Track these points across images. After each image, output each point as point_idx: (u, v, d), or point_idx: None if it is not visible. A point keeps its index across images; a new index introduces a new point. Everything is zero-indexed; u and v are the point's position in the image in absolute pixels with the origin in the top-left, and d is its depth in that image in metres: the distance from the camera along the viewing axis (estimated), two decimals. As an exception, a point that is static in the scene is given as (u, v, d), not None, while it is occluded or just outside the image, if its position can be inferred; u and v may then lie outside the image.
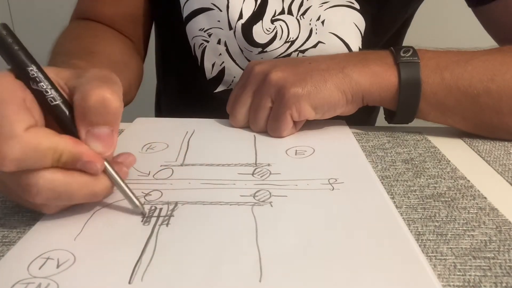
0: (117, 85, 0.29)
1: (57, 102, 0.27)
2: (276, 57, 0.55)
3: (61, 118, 0.28)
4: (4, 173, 0.26)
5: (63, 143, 0.26)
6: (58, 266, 0.25)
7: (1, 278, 0.24)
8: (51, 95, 0.27)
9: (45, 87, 0.27)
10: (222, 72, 0.58)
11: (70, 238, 0.27)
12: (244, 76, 0.45)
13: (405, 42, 0.65)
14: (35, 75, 0.27)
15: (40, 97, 0.27)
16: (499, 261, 0.26)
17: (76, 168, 0.27)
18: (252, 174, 0.36)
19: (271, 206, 0.31)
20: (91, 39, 0.52)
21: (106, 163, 0.29)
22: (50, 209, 0.29)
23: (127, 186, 0.30)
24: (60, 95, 0.28)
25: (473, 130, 0.44)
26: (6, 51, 0.26)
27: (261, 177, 0.35)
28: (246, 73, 0.45)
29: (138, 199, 0.30)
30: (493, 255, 0.27)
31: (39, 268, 0.25)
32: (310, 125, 0.44)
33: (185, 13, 0.55)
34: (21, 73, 0.27)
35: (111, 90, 0.27)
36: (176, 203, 0.31)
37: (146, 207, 0.31)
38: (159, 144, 0.41)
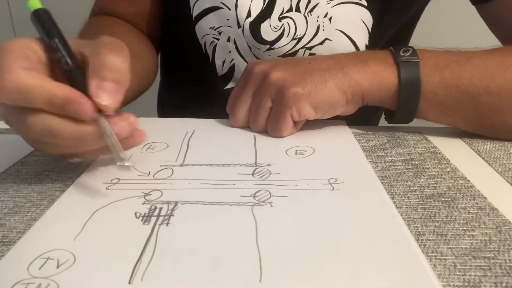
0: (126, 52, 0.33)
1: (69, 67, 0.31)
2: (283, 54, 0.56)
3: (72, 79, 0.31)
4: (7, 109, 0.30)
5: (55, 86, 0.29)
6: (58, 266, 0.25)
7: (1, 278, 0.24)
8: (66, 61, 0.31)
9: (61, 55, 0.32)
10: (232, 69, 0.59)
11: (70, 238, 0.27)
12: (244, 76, 0.45)
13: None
14: (56, 45, 0.32)
15: (58, 63, 0.32)
16: (499, 261, 0.26)
17: (68, 111, 0.29)
18: (252, 174, 0.36)
19: (271, 206, 0.31)
20: (111, 29, 0.56)
21: (98, 115, 0.30)
22: (48, 148, 0.32)
23: (114, 137, 0.31)
24: (74, 62, 0.32)
25: (473, 130, 0.44)
26: (42, 27, 0.32)
27: (261, 177, 0.35)
28: (246, 73, 0.45)
29: (121, 151, 0.31)
30: (493, 255, 0.27)
31: (39, 268, 0.25)
32: (310, 125, 0.44)
33: (195, 12, 0.56)
34: (46, 44, 0.32)
35: (123, 57, 0.32)
36: (176, 203, 0.31)
37: (146, 207, 0.31)
38: (159, 144, 0.41)
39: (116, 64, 0.31)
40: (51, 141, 0.31)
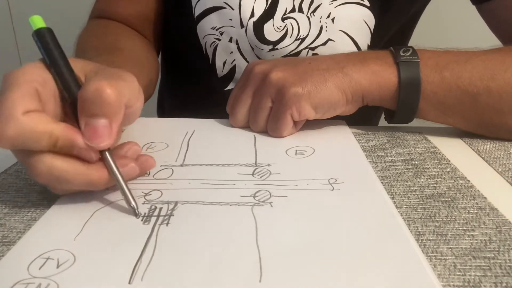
0: (124, 82, 0.30)
1: (70, 100, 0.30)
2: (286, 55, 0.56)
3: (74, 113, 0.30)
4: (15, 152, 0.29)
5: (58, 129, 0.28)
6: (58, 266, 0.25)
7: (1, 278, 0.24)
8: (64, 95, 0.30)
9: (61, 85, 0.30)
10: (233, 70, 0.59)
11: (70, 238, 0.27)
12: (244, 76, 0.45)
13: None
14: (54, 76, 0.30)
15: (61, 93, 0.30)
16: (499, 261, 0.26)
17: (73, 154, 0.29)
18: (252, 174, 0.36)
19: (271, 206, 0.31)
20: (115, 36, 0.55)
21: (107, 154, 0.30)
22: (56, 190, 0.31)
23: (124, 181, 0.30)
24: (75, 92, 0.30)
25: (473, 129, 0.44)
26: (45, 51, 0.30)
27: (261, 177, 0.35)
28: (246, 73, 0.45)
29: (132, 196, 0.30)
30: (493, 255, 0.27)
31: (39, 268, 0.25)
32: (310, 125, 0.44)
33: (197, 12, 0.56)
34: (51, 70, 0.30)
35: (108, 83, 0.28)
36: (176, 203, 0.31)
37: (146, 207, 0.31)
38: (159, 144, 0.41)
39: (101, 95, 0.28)
40: (58, 186, 0.30)
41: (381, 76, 0.41)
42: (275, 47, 0.55)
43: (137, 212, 0.30)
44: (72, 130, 0.28)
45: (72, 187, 0.30)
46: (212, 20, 0.56)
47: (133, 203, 0.30)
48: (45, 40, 0.31)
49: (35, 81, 0.29)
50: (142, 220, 0.29)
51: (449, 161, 0.39)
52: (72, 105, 0.30)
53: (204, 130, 0.45)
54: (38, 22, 0.31)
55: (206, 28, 0.56)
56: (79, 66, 0.31)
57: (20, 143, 0.28)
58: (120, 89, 0.29)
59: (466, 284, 0.24)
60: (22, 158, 0.29)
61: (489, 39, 0.54)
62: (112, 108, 0.29)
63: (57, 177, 0.28)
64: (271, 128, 0.43)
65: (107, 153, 0.30)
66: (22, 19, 1.40)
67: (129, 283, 0.24)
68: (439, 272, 0.25)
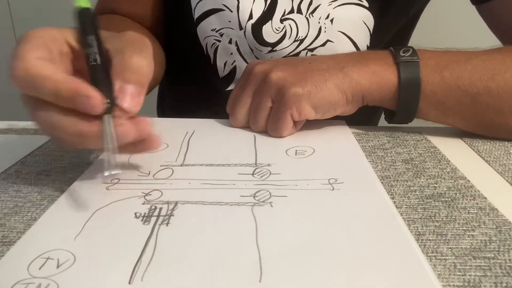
0: (149, 51, 0.33)
1: (96, 63, 0.31)
2: (285, 56, 0.56)
3: (95, 76, 0.31)
4: (23, 98, 0.31)
5: (65, 78, 0.29)
6: (58, 266, 0.25)
7: (1, 278, 0.24)
8: (95, 58, 0.31)
9: (94, 51, 0.32)
10: (233, 71, 0.59)
11: (70, 238, 0.27)
12: (244, 76, 0.45)
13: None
14: (91, 42, 0.32)
15: (85, 57, 0.32)
16: (499, 261, 0.26)
17: (76, 105, 0.29)
18: (252, 174, 0.36)
19: (271, 206, 0.31)
20: (123, 27, 0.54)
21: (105, 116, 0.30)
22: (59, 142, 0.33)
23: (113, 142, 0.30)
24: (102, 60, 0.32)
25: (473, 130, 0.44)
26: (83, 23, 0.32)
27: (261, 177, 0.35)
28: (246, 73, 0.45)
29: (114, 159, 0.31)
30: (493, 255, 0.27)
31: (39, 268, 0.25)
32: (310, 125, 0.44)
33: (197, 14, 0.56)
34: (80, 37, 0.32)
35: (147, 59, 0.32)
36: (176, 203, 0.31)
37: (146, 207, 0.31)
38: (159, 144, 0.41)
39: (140, 66, 0.31)
40: (56, 136, 0.31)
41: (381, 76, 0.41)
42: (274, 49, 0.55)
43: (114, 172, 0.31)
44: (75, 81, 0.29)
45: (68, 137, 0.31)
46: (211, 22, 0.56)
47: (111, 171, 0.31)
48: (86, 16, 0.33)
49: (46, 37, 0.31)
50: (142, 220, 0.29)
51: (449, 161, 0.39)
52: (93, 68, 0.31)
53: (204, 130, 0.45)
54: (83, 2, 0.33)
55: (206, 29, 0.56)
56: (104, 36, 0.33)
57: (28, 85, 0.29)
58: (150, 63, 0.32)
59: (466, 284, 0.24)
60: (29, 108, 0.31)
61: (489, 39, 0.54)
62: (145, 78, 0.32)
63: (53, 125, 0.30)
64: (271, 128, 0.43)
65: (105, 116, 0.30)
66: (22, 19, 1.40)
67: (129, 283, 0.24)
68: (439, 272, 0.25)
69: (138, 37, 0.34)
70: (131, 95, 0.31)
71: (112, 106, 0.30)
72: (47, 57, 0.30)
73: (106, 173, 0.31)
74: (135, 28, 0.59)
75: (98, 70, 0.31)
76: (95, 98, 0.29)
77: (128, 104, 0.31)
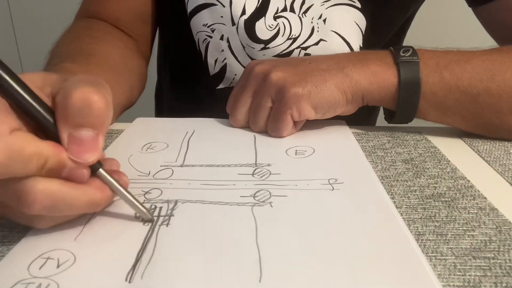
0: (105, 88, 0.27)
1: (38, 109, 0.26)
2: (278, 54, 0.56)
3: (43, 125, 0.26)
4: None
5: (47, 149, 0.25)
6: (58, 266, 0.25)
7: (1, 278, 0.24)
8: (30, 104, 0.25)
9: (23, 96, 0.25)
10: (224, 68, 0.58)
11: (70, 238, 0.27)
12: (244, 76, 0.45)
13: (405, 43, 0.65)
14: (10, 87, 0.25)
15: (20, 105, 0.25)
16: (499, 261, 0.26)
17: (63, 176, 0.26)
18: (252, 174, 0.36)
19: (271, 206, 0.31)
20: (90, 40, 0.50)
21: (103, 171, 0.27)
22: (44, 222, 0.27)
23: (131, 194, 0.29)
24: (40, 102, 0.26)
25: (473, 130, 0.44)
26: None
27: (261, 177, 0.35)
28: (246, 73, 0.45)
29: (143, 205, 0.29)
30: (493, 255, 0.27)
31: (39, 268, 0.25)
32: (310, 125, 0.44)
33: (189, 8, 0.55)
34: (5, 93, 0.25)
35: (96, 90, 0.26)
36: (176, 202, 0.31)
37: (146, 206, 0.31)
38: (159, 144, 0.41)
39: (89, 103, 0.25)
40: (55, 214, 0.26)
41: (381, 77, 0.41)
42: (267, 46, 0.55)
43: (153, 219, 0.29)
44: (60, 148, 0.25)
45: (73, 210, 0.27)
46: (204, 17, 0.55)
47: (148, 214, 0.29)
48: None
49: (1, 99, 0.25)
50: (142, 220, 0.29)
51: (449, 161, 0.39)
52: (33, 117, 0.26)
53: (204, 130, 0.45)
54: None
55: (198, 24, 0.56)
56: (38, 80, 0.27)
57: (9, 168, 0.24)
58: (106, 96, 0.26)
59: (466, 284, 0.24)
60: (10, 189, 0.25)
61: (489, 39, 0.54)
62: (101, 118, 0.26)
63: (56, 202, 0.25)
64: (271, 128, 0.43)
65: (101, 170, 0.27)
66: (22, 19, 1.40)
67: (129, 282, 0.24)
68: (439, 272, 0.25)
69: (89, 76, 0.27)
70: (87, 143, 0.26)
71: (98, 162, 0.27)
72: (17, 125, 0.25)
73: (146, 213, 0.29)
74: (117, 41, 0.54)
75: (44, 117, 0.26)
76: (82, 168, 0.26)
77: (87, 158, 0.26)
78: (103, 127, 0.26)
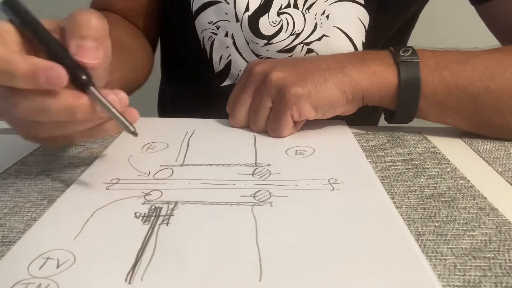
0: (102, 17, 0.32)
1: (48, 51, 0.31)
2: (281, 49, 0.56)
3: (50, 48, 0.31)
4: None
5: (20, 57, 0.29)
6: (58, 266, 0.25)
7: (1, 278, 0.24)
8: (42, 46, 0.31)
9: (37, 40, 0.31)
10: (228, 65, 0.59)
11: (70, 238, 0.27)
12: (244, 76, 0.45)
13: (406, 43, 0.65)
14: (29, 33, 0.32)
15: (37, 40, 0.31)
16: (499, 261, 0.26)
17: (41, 82, 0.28)
18: (252, 174, 0.36)
19: (271, 206, 0.31)
20: (110, 22, 0.55)
21: (92, 88, 0.30)
22: (42, 131, 0.32)
23: (114, 107, 0.30)
24: (52, 43, 0.31)
25: (473, 130, 0.44)
26: (14, 15, 0.32)
27: (261, 177, 0.35)
28: (246, 73, 0.45)
29: (127, 120, 0.31)
30: (493, 255, 0.27)
31: (39, 268, 0.25)
32: (310, 125, 0.44)
33: (195, 6, 0.56)
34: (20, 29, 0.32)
35: (94, 13, 0.31)
36: (176, 203, 0.31)
37: (146, 207, 0.31)
38: (159, 144, 0.41)
39: (91, 22, 0.31)
40: (40, 120, 0.30)
41: (381, 76, 0.41)
42: (270, 42, 0.56)
43: (136, 132, 0.32)
44: (31, 58, 0.29)
45: (52, 116, 0.30)
46: (209, 15, 0.56)
47: (130, 126, 0.31)
48: (13, 7, 0.33)
49: (1, 30, 0.31)
50: (142, 220, 0.29)
51: (449, 161, 0.39)
52: (48, 48, 0.31)
53: (204, 130, 0.45)
54: None
55: (204, 22, 0.57)
56: (46, 22, 0.33)
57: None
58: (99, 17, 0.32)
59: (466, 284, 0.24)
60: (3, 98, 0.30)
61: (489, 39, 0.54)
62: (99, 32, 0.31)
63: (37, 108, 0.29)
64: (271, 128, 0.43)
65: (91, 88, 0.30)
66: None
67: (129, 283, 0.24)
68: (439, 272, 0.25)
69: (87, 9, 0.33)
70: (89, 50, 0.31)
71: (89, 77, 0.31)
72: (7, 47, 0.30)
73: (130, 130, 0.31)
74: (125, 26, 0.59)
75: (53, 44, 0.31)
76: (57, 70, 0.28)
77: (87, 58, 0.31)
78: (102, 40, 0.31)
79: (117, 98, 0.31)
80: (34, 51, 0.31)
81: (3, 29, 0.31)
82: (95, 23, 0.31)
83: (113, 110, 0.30)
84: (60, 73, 0.28)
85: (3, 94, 0.30)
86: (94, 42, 0.31)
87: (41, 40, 0.31)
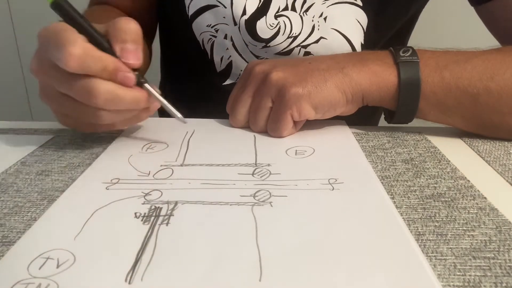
0: (137, 23, 0.37)
1: (102, 46, 0.36)
2: (279, 52, 0.56)
3: (104, 48, 0.36)
4: (70, 88, 0.35)
5: (109, 57, 0.35)
6: (58, 266, 0.25)
7: (1, 278, 0.24)
8: (97, 41, 0.36)
9: (92, 37, 0.36)
10: (229, 65, 0.59)
11: (70, 238, 0.27)
12: (244, 76, 0.45)
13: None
14: (84, 30, 0.36)
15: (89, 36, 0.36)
16: (499, 261, 0.26)
17: (118, 79, 0.35)
18: (252, 174, 0.36)
19: (271, 206, 0.31)
20: (110, 15, 0.57)
21: (147, 85, 0.37)
22: (104, 118, 0.36)
23: (167, 100, 0.39)
24: (104, 41, 0.36)
25: (473, 130, 0.44)
26: (66, 16, 0.36)
27: (261, 177, 0.35)
28: (246, 73, 0.45)
29: (175, 108, 0.39)
30: (493, 255, 0.27)
31: (39, 268, 0.25)
32: (310, 125, 0.44)
33: (191, 11, 0.56)
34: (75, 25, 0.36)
35: (131, 20, 0.37)
36: (176, 203, 0.31)
37: (146, 207, 0.31)
38: (159, 144, 0.41)
39: (128, 27, 0.36)
40: (110, 107, 0.35)
41: (381, 77, 0.41)
42: (268, 45, 0.56)
43: (184, 121, 0.40)
44: (116, 59, 0.36)
45: (124, 104, 0.36)
46: (206, 18, 0.56)
47: (178, 114, 0.39)
48: (64, 8, 0.36)
49: (70, 28, 0.35)
50: (142, 220, 0.29)
51: (449, 161, 0.39)
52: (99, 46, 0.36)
53: (204, 130, 0.45)
54: None
55: (202, 25, 0.57)
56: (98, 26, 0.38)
57: (84, 64, 0.33)
58: (136, 24, 0.37)
59: (466, 284, 0.24)
60: (81, 84, 0.34)
61: (489, 39, 0.54)
62: (137, 36, 0.37)
63: (113, 96, 0.35)
64: (271, 128, 0.43)
65: (146, 84, 0.37)
66: (22, 19, 1.40)
67: (129, 283, 0.24)
68: (439, 272, 0.25)
69: (126, 17, 0.38)
70: (132, 52, 0.36)
71: (143, 77, 0.37)
72: (86, 41, 0.35)
73: (180, 117, 0.40)
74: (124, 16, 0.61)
75: (106, 50, 0.36)
76: (131, 73, 0.36)
77: (132, 60, 0.36)
78: (140, 43, 0.37)
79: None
80: None
81: (65, 29, 0.34)
82: (134, 28, 0.36)
83: (165, 102, 0.39)
84: (132, 76, 0.36)
85: (73, 81, 0.35)
86: (135, 44, 0.36)
87: (97, 43, 0.35)
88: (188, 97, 0.66)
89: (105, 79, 0.35)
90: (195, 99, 0.65)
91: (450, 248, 0.27)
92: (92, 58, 0.34)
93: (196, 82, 0.64)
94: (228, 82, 0.60)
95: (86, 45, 0.34)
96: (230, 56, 0.58)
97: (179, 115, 0.39)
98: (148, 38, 0.64)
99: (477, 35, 0.59)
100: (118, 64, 0.35)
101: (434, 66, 0.42)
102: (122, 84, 0.35)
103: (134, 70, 0.37)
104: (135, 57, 0.36)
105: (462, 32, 1.05)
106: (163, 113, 0.75)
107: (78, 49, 0.33)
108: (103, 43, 0.36)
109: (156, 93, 0.38)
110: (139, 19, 0.62)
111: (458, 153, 0.41)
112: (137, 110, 0.38)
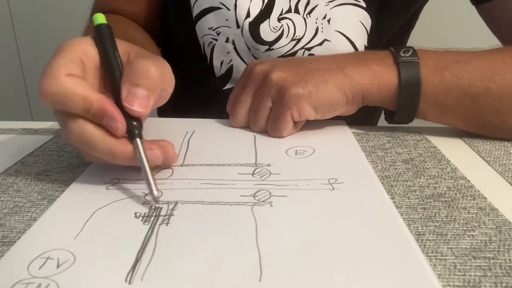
0: (165, 67, 0.34)
1: (114, 81, 0.33)
2: (282, 55, 0.56)
3: (117, 93, 0.32)
4: (54, 113, 0.32)
5: (94, 96, 0.30)
6: (58, 266, 0.25)
7: (1, 278, 0.24)
8: (112, 75, 0.33)
9: (110, 70, 0.33)
10: (230, 69, 0.59)
11: (70, 238, 0.27)
12: (244, 76, 0.45)
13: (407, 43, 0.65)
14: (106, 61, 0.33)
15: (110, 75, 0.33)
16: (499, 261, 0.26)
17: (102, 124, 0.31)
18: (252, 174, 0.36)
19: (271, 206, 0.31)
20: (123, 28, 0.56)
21: (138, 141, 0.32)
22: (86, 156, 0.33)
23: (151, 172, 0.31)
24: (120, 75, 0.33)
25: (473, 130, 0.44)
26: (100, 41, 0.34)
27: (261, 177, 0.35)
28: (246, 73, 0.45)
29: (155, 183, 0.31)
30: (493, 255, 0.27)
31: (39, 268, 0.25)
32: (310, 125, 0.44)
33: (195, 12, 0.56)
34: (101, 54, 0.34)
35: (155, 63, 0.32)
36: (176, 203, 0.31)
37: (146, 207, 0.31)
38: (159, 144, 0.41)
39: (147, 69, 0.32)
40: (86, 150, 0.32)
41: (381, 77, 0.41)
42: (271, 47, 0.56)
43: (158, 201, 0.31)
44: (105, 99, 0.30)
45: (96, 153, 0.32)
46: (209, 21, 0.56)
47: (155, 191, 0.31)
48: (102, 33, 0.34)
49: (81, 51, 0.32)
50: (142, 220, 0.29)
51: (449, 161, 0.39)
52: (113, 83, 0.33)
53: (204, 130, 0.45)
54: (100, 19, 0.35)
55: (204, 28, 0.57)
56: (123, 47, 0.35)
57: (58, 102, 0.30)
58: (162, 71, 0.33)
59: (466, 284, 0.24)
60: (60, 119, 0.32)
61: (489, 39, 0.54)
62: (153, 82, 0.32)
63: (85, 141, 0.31)
64: (271, 128, 0.43)
65: (138, 140, 0.32)
66: (22, 19, 1.40)
67: (129, 283, 0.24)
68: (439, 272, 0.25)
69: (153, 55, 0.35)
70: (139, 99, 0.31)
71: (139, 125, 0.32)
72: (79, 73, 0.31)
73: (153, 195, 0.31)
74: (134, 28, 0.60)
75: (118, 86, 0.32)
76: (118, 122, 0.30)
77: (136, 107, 0.31)
78: (155, 91, 0.32)
79: (161, 149, 0.33)
80: (104, 75, 0.34)
81: (85, 51, 0.32)
82: (153, 73, 0.32)
83: (147, 170, 0.31)
84: (119, 126, 0.31)
85: (58, 116, 0.32)
86: (148, 91, 0.32)
87: (112, 74, 0.33)
88: (187, 100, 0.66)
89: (90, 120, 0.31)
90: (194, 102, 0.65)
91: (450, 248, 0.27)
92: (71, 96, 0.30)
93: (196, 87, 0.64)
94: (228, 86, 0.60)
95: (69, 81, 0.30)
96: (231, 60, 0.58)
97: (155, 192, 0.31)
98: (158, 45, 0.64)
99: (478, 35, 0.59)
100: (105, 107, 0.30)
101: (434, 67, 0.42)
102: (108, 129, 0.31)
103: (136, 118, 0.32)
104: (142, 105, 0.31)
105: (462, 32, 1.05)
106: (162, 113, 0.75)
107: (52, 84, 0.30)
108: (119, 84, 0.32)
109: (143, 156, 0.31)
110: (148, 28, 0.62)
111: (458, 153, 0.41)
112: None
